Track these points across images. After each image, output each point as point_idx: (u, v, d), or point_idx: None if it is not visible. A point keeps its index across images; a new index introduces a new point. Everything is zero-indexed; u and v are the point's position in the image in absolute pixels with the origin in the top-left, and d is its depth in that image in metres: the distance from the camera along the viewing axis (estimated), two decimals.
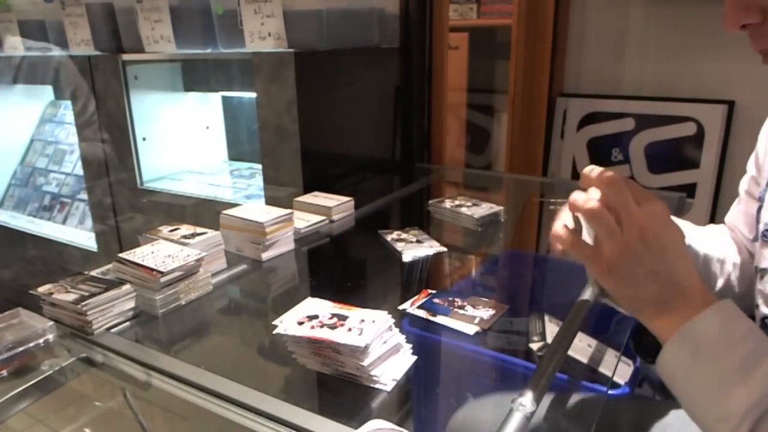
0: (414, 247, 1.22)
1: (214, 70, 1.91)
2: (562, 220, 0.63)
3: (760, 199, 0.69)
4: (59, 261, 2.18)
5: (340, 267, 1.27)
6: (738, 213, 0.83)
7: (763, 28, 0.55)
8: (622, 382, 1.01)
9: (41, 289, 0.88)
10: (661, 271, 0.54)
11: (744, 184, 0.82)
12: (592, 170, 0.58)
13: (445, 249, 1.23)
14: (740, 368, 0.50)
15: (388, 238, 1.27)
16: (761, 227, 0.65)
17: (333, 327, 0.77)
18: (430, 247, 1.23)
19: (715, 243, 0.79)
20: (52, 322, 0.86)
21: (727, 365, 0.50)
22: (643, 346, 0.83)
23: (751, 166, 0.80)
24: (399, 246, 1.23)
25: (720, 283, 0.78)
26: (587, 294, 0.70)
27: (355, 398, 0.73)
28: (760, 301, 0.66)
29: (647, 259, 0.54)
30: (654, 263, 0.54)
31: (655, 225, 0.54)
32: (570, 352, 0.80)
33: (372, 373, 0.73)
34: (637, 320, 0.59)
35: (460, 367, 1.04)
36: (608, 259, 0.55)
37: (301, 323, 0.79)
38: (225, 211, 1.15)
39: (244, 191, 1.84)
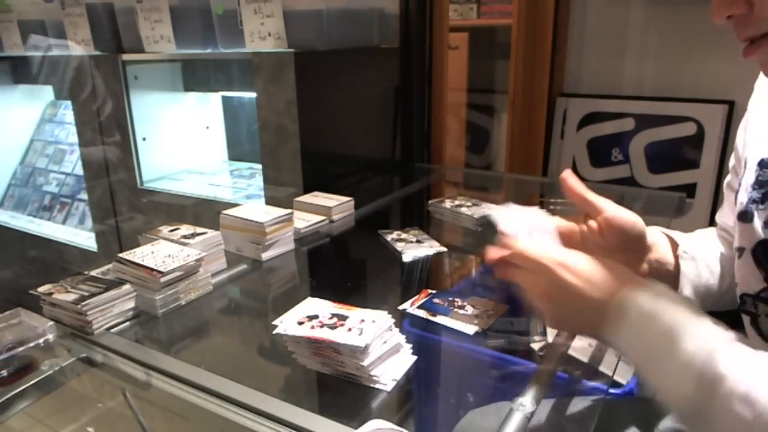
0: (414, 247, 1.22)
1: (214, 70, 1.91)
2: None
3: (738, 185, 0.70)
4: (59, 261, 2.18)
5: (340, 267, 1.27)
6: (723, 209, 0.84)
7: (748, 18, 0.56)
8: (623, 381, 1.01)
9: (41, 289, 0.88)
10: (579, 304, 0.62)
11: (727, 179, 0.82)
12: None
13: (445, 249, 1.23)
14: (676, 326, 0.55)
15: (388, 238, 1.27)
16: (738, 208, 0.66)
17: (333, 327, 0.77)
18: (430, 247, 1.23)
19: (708, 246, 0.80)
20: (52, 322, 0.86)
21: (665, 324, 0.55)
22: None
23: (732, 160, 0.81)
24: (399, 246, 1.23)
25: (713, 286, 0.78)
26: None
27: (355, 398, 0.73)
28: (738, 280, 0.67)
29: (561, 306, 0.64)
30: (569, 305, 0.63)
31: (551, 282, 0.63)
32: (570, 352, 0.80)
33: (372, 373, 0.73)
34: None
35: (461, 367, 1.04)
36: (549, 321, 0.68)
37: (301, 323, 0.79)
38: (225, 211, 1.15)
39: (244, 191, 1.84)
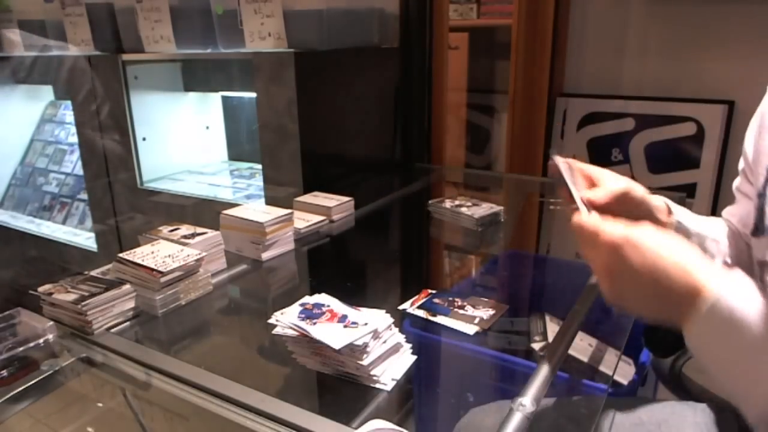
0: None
1: (214, 70, 1.91)
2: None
3: (761, 196, 0.70)
4: (59, 261, 2.18)
5: (340, 267, 1.27)
6: (734, 209, 0.84)
7: None
8: (624, 381, 1.01)
9: (41, 289, 0.88)
10: (652, 290, 0.57)
11: (736, 182, 0.83)
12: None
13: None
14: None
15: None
16: (767, 221, 0.66)
17: (332, 326, 0.77)
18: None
19: (710, 226, 0.82)
20: (52, 322, 0.86)
21: (755, 328, 0.51)
22: (654, 340, 0.84)
23: (741, 163, 0.81)
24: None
25: (718, 261, 0.80)
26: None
27: (355, 398, 0.73)
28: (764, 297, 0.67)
29: (631, 289, 0.59)
30: (639, 290, 0.58)
31: (614, 262, 0.58)
32: (571, 352, 0.80)
33: (372, 372, 0.73)
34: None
35: (461, 367, 1.04)
36: (610, 299, 0.61)
37: (300, 318, 0.79)
38: (225, 211, 1.15)
39: (244, 191, 1.84)
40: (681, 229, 0.78)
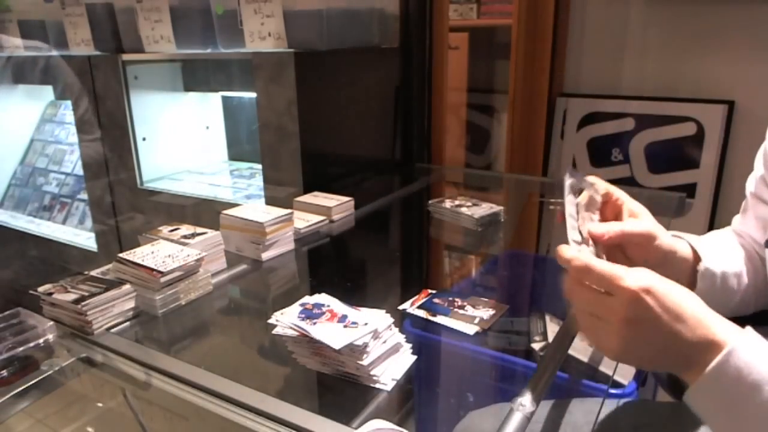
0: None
1: (214, 70, 1.91)
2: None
3: None
4: (59, 261, 2.18)
5: (340, 267, 1.27)
6: (747, 218, 0.81)
7: None
8: (624, 381, 1.01)
9: (41, 289, 0.88)
10: (668, 344, 0.53)
11: (751, 186, 0.79)
12: (562, 251, 0.60)
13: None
14: None
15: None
16: None
17: (332, 326, 0.77)
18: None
19: (728, 256, 0.77)
20: (52, 322, 0.86)
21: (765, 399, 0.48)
22: None
23: (759, 165, 0.77)
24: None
25: (738, 297, 0.76)
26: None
27: (355, 398, 0.73)
28: None
29: (646, 343, 0.53)
30: (655, 344, 0.53)
31: (635, 310, 0.53)
32: (571, 351, 0.80)
33: (372, 372, 0.73)
34: None
35: (461, 367, 1.04)
36: (611, 354, 0.55)
37: (300, 318, 0.79)
38: (225, 211, 1.15)
39: (244, 191, 1.84)
40: (707, 276, 0.73)
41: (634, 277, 0.53)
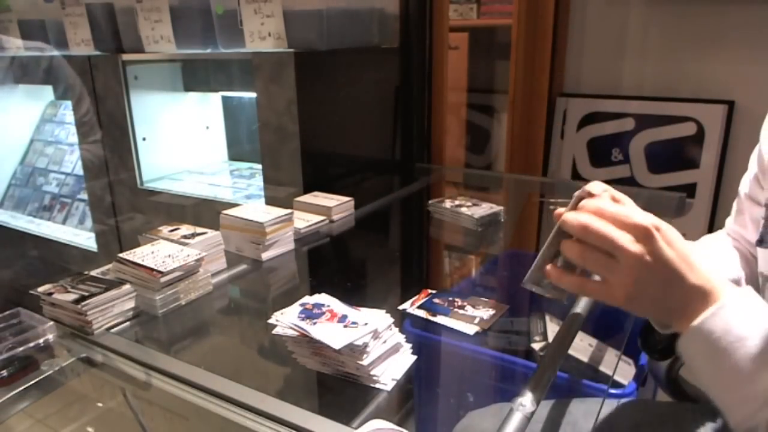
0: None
1: (214, 70, 1.91)
2: (545, 256, 0.65)
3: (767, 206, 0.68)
4: (59, 261, 2.18)
5: (340, 267, 1.27)
6: (740, 219, 0.81)
7: None
8: (624, 381, 1.01)
9: (41, 289, 0.88)
10: (673, 284, 0.55)
11: (745, 186, 0.79)
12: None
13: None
14: (763, 352, 0.51)
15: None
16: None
17: (332, 326, 0.77)
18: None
19: (725, 263, 0.78)
20: (52, 322, 0.86)
21: (751, 350, 0.51)
22: (650, 342, 0.84)
23: (753, 164, 0.77)
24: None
25: None
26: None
27: (355, 398, 0.73)
28: None
29: (656, 280, 0.55)
30: (663, 282, 0.55)
31: (651, 246, 0.54)
32: (571, 352, 0.80)
33: (372, 372, 0.73)
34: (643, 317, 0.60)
35: (461, 367, 1.04)
36: (622, 293, 0.56)
37: (300, 318, 0.79)
38: (225, 211, 1.15)
39: (244, 191, 1.84)
40: None
41: (645, 215, 0.56)
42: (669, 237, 0.55)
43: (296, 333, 0.78)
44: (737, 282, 0.76)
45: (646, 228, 0.54)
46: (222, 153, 2.18)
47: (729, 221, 0.84)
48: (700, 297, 0.55)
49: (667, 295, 0.56)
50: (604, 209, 0.57)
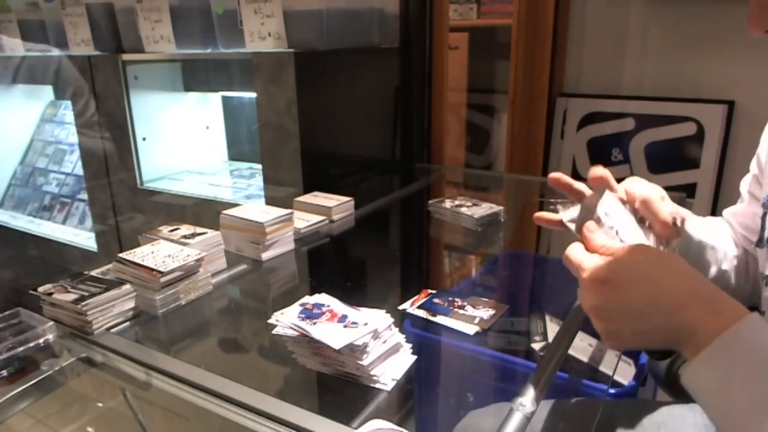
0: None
1: (214, 70, 1.91)
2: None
3: (765, 206, 0.69)
4: (59, 261, 2.18)
5: (340, 267, 1.27)
6: (738, 210, 0.83)
7: None
8: (624, 381, 1.01)
9: (41, 289, 0.88)
10: (657, 319, 0.51)
11: (745, 184, 0.81)
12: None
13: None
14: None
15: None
16: (766, 234, 0.65)
17: (332, 326, 0.77)
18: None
19: (711, 231, 0.79)
20: (52, 322, 0.86)
21: (764, 389, 0.45)
22: None
23: (753, 166, 0.79)
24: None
25: (713, 270, 0.77)
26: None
27: (355, 398, 0.73)
28: (765, 309, 0.66)
29: (634, 320, 0.52)
30: (642, 319, 0.51)
31: (602, 299, 0.53)
32: (571, 352, 0.80)
33: (372, 372, 0.73)
34: None
35: (461, 367, 1.04)
36: (602, 332, 0.55)
37: (300, 318, 0.79)
38: (225, 211, 1.15)
39: (244, 191, 1.84)
40: (683, 236, 0.74)
41: (590, 264, 0.54)
42: (617, 282, 0.52)
43: (296, 333, 0.78)
44: (715, 250, 0.77)
45: (582, 280, 0.53)
46: (222, 153, 2.18)
47: (727, 210, 0.86)
48: (690, 332, 0.49)
49: (651, 334, 0.52)
50: (565, 256, 0.57)
